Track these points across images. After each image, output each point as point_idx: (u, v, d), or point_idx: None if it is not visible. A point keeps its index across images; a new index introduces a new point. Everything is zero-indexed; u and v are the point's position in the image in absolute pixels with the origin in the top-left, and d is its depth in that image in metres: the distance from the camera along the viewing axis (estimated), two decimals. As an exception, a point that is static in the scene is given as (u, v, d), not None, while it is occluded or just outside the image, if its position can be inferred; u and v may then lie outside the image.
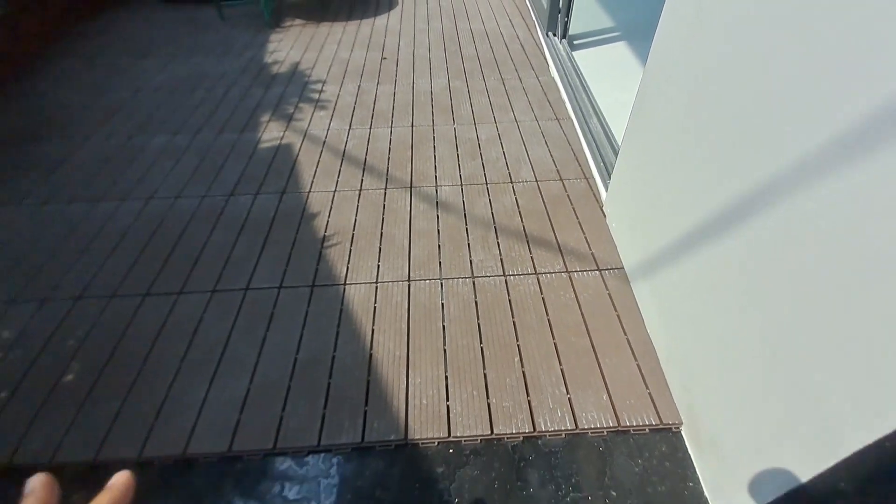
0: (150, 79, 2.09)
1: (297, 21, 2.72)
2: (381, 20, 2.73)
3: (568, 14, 2.22)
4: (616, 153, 1.45)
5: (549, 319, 1.06)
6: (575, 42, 2.29)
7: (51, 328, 1.05)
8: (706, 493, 0.81)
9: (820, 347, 0.55)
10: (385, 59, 2.31)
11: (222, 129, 1.75)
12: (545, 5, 2.40)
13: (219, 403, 0.91)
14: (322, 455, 0.86)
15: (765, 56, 0.64)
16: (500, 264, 1.20)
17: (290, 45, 2.42)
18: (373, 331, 1.04)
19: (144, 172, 1.53)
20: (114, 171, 1.53)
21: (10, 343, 1.02)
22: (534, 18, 2.69)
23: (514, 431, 0.87)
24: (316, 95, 1.97)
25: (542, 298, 1.10)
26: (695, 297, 0.83)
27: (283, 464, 0.85)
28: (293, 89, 2.02)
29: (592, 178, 1.49)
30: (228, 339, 1.03)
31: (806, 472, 0.57)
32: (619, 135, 1.55)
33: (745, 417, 0.69)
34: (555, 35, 2.32)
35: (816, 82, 0.55)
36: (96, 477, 0.82)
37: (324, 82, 2.08)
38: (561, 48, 2.21)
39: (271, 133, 1.73)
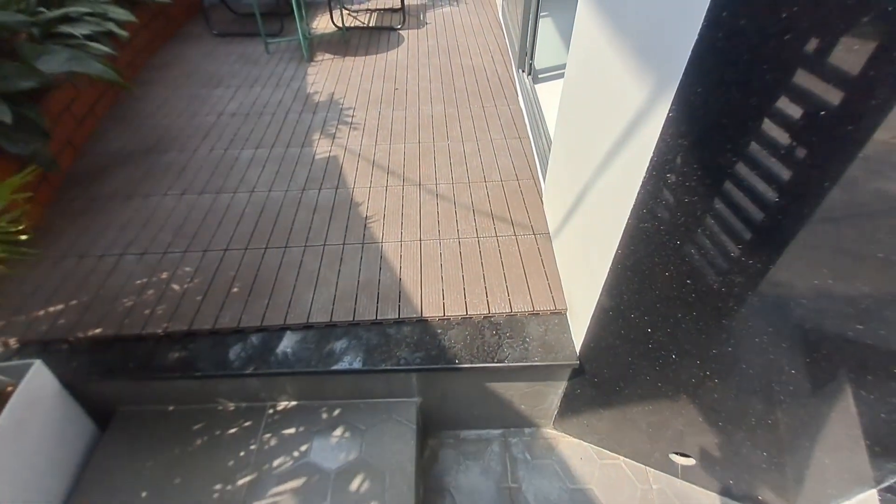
0: (226, 106, 2.86)
1: (327, 55, 3.49)
2: (392, 55, 3.51)
3: (532, 57, 3.01)
4: (548, 153, 2.24)
5: (501, 261, 1.84)
6: (539, 76, 3.08)
7: (215, 265, 1.82)
8: (573, 338, 1.60)
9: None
10: (397, 89, 3.09)
11: (288, 144, 2.52)
12: (516, 48, 3.19)
13: (320, 300, 1.69)
14: (378, 325, 1.64)
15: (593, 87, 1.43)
16: (475, 232, 1.98)
17: (324, 78, 3.20)
18: (400, 267, 1.82)
19: (243, 175, 2.30)
20: (222, 174, 2.30)
21: (192, 274, 1.79)
22: (510, 56, 3.48)
23: (478, 313, 1.66)
24: (349, 119, 2.75)
25: (499, 250, 1.89)
26: (576, 246, 1.63)
27: (359, 328, 1.63)
28: (332, 114, 2.79)
29: (538, 178, 2.28)
30: (319, 270, 1.80)
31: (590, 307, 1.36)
32: (553, 148, 2.36)
33: (585, 304, 1.48)
34: (523, 71, 3.11)
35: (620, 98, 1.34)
36: (262, 334, 1.60)
37: (354, 108, 2.85)
38: (526, 82, 2.99)
39: (322, 148, 2.50)
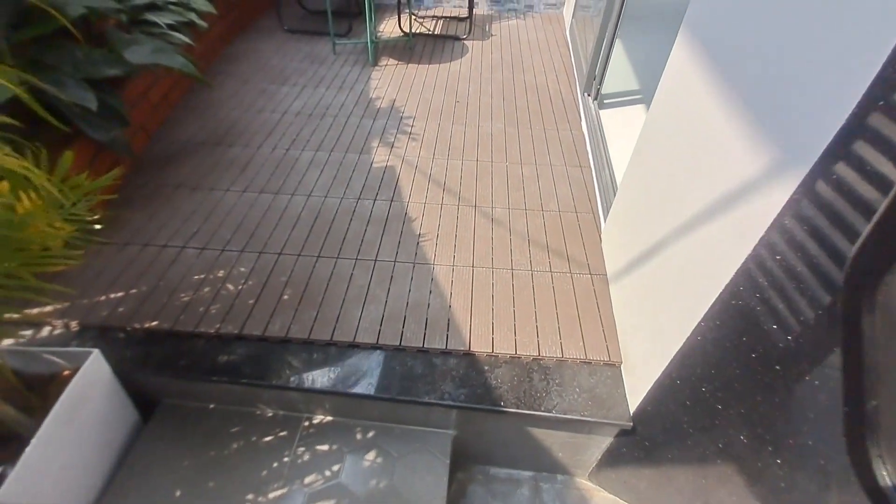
0: (290, 104, 2.91)
1: (391, 60, 3.50)
2: (454, 66, 3.48)
3: (601, 82, 2.91)
4: (615, 192, 2.15)
5: (555, 299, 1.77)
6: (605, 101, 2.98)
7: (269, 269, 1.84)
8: (626, 396, 1.51)
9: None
10: (458, 102, 3.06)
11: (347, 149, 2.53)
12: (584, 70, 3.10)
13: (368, 318, 1.67)
14: (424, 353, 1.61)
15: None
16: (529, 264, 1.92)
17: (387, 83, 3.20)
18: (451, 293, 1.78)
19: (302, 177, 2.32)
20: (282, 174, 2.33)
21: (247, 275, 1.81)
22: (575, 78, 3.38)
23: (527, 354, 1.60)
24: (408, 129, 2.74)
25: (553, 287, 1.82)
26: (639, 299, 1.54)
27: (405, 354, 1.60)
28: (392, 122, 2.79)
29: (597, 212, 2.19)
30: (369, 286, 1.79)
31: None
32: (618, 181, 2.26)
33: (646, 364, 1.40)
34: (588, 95, 3.02)
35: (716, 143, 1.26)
36: (308, 347, 1.59)
37: (414, 118, 2.84)
38: (591, 107, 2.90)
39: (380, 156, 2.50)
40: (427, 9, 4.42)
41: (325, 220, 2.08)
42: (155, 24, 2.45)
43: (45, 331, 1.58)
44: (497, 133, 2.74)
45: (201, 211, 2.08)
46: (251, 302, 1.70)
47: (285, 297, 1.73)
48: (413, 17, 4.21)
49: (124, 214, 2.04)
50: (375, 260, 1.90)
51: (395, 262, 1.90)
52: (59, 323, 1.59)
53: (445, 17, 4.28)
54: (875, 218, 0.52)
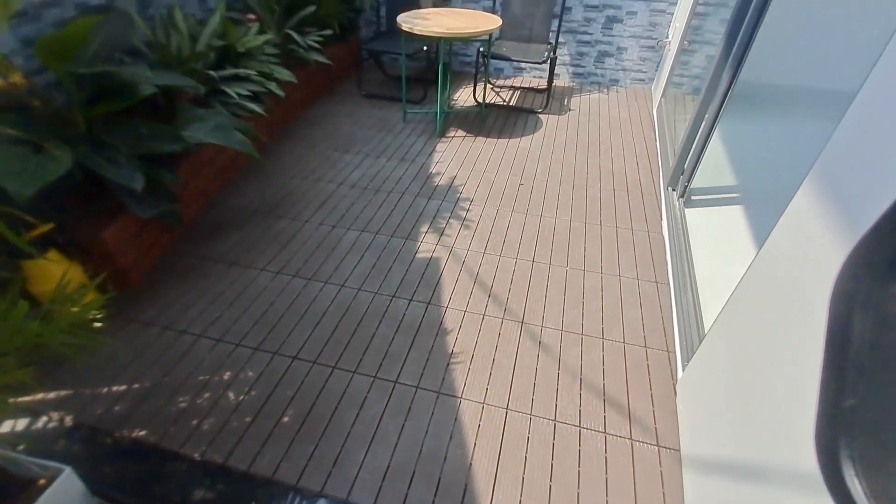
0: (349, 174, 2.85)
1: (459, 132, 3.38)
2: (525, 142, 3.27)
3: (689, 179, 2.52)
4: (700, 337, 1.73)
5: (606, 478, 1.39)
6: (692, 198, 2.57)
7: (278, 377, 1.65)
8: None
9: None
10: (522, 185, 2.82)
11: (393, 233, 2.37)
12: (670, 161, 2.73)
13: (370, 467, 1.40)
14: (428, 526, 1.29)
15: None
16: (578, 415, 1.56)
17: (450, 157, 3.06)
18: (475, 444, 1.47)
19: (339, 262, 2.18)
20: (321, 256, 2.20)
21: (253, 381, 1.64)
22: (659, 166, 3.01)
23: (559, 558, 1.22)
24: (463, 213, 2.53)
25: (606, 458, 1.44)
26: (726, 496, 1.12)
27: (403, 523, 1.30)
28: (447, 205, 2.60)
29: (673, 352, 1.78)
30: (381, 418, 1.53)
31: None
32: (707, 314, 1.82)
33: None
34: (673, 190, 2.63)
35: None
36: (293, 497, 1.35)
37: (471, 201, 2.64)
38: (676, 206, 2.50)
39: (426, 244, 2.30)
40: (506, 78, 4.32)
41: (353, 318, 1.89)
42: (229, 96, 2.52)
43: (42, 421, 1.50)
44: (561, 228, 2.43)
45: (230, 292, 1.99)
46: (248, 420, 1.51)
47: (285, 419, 1.52)
48: (490, 86, 4.13)
49: (159, 284, 2.01)
50: (396, 382, 1.65)
51: (417, 387, 1.63)
52: (56, 415, 1.50)
53: (523, 88, 4.14)
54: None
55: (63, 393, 1.56)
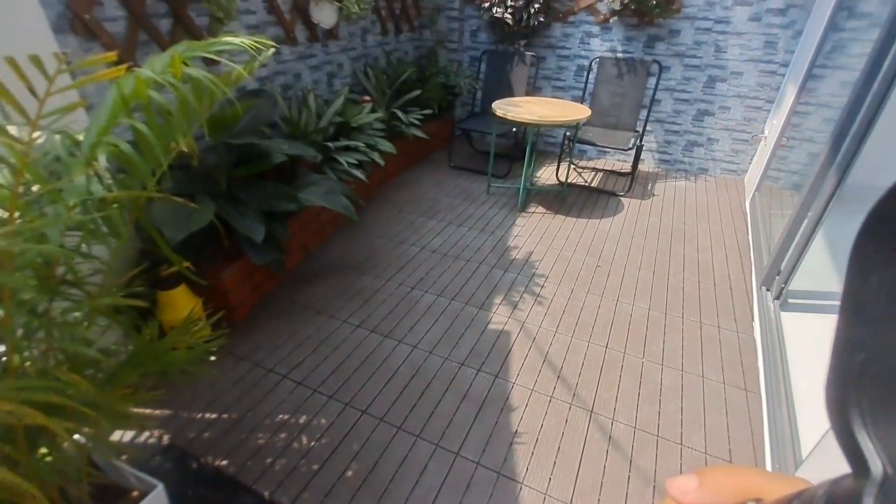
0: (431, 240, 3.04)
1: (539, 209, 3.50)
2: (604, 224, 3.29)
3: (787, 280, 2.36)
4: (797, 461, 1.55)
5: None
6: (790, 301, 2.38)
7: (347, 428, 1.73)
8: None
9: None
10: (599, 266, 2.81)
11: (468, 301, 2.46)
12: (765, 259, 2.58)
13: (425, 539, 1.39)
14: None
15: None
16: (648, 527, 1.44)
17: (529, 232, 3.16)
18: (533, 537, 1.41)
19: (415, 323, 2.29)
20: (398, 315, 2.34)
21: (325, 429, 1.73)
22: (751, 261, 2.86)
23: None
24: (538, 290, 2.57)
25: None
26: None
27: None
28: (522, 278, 2.66)
29: (765, 474, 1.60)
30: (438, 492, 1.53)
31: None
32: (805, 438, 1.63)
33: None
34: (768, 290, 2.46)
35: None
36: (351, 550, 1.37)
37: (546, 278, 2.67)
38: (770, 308, 2.33)
39: (499, 316, 2.35)
40: (589, 159, 4.45)
41: (422, 380, 1.95)
42: (338, 163, 2.88)
43: (144, 435, 1.69)
44: (639, 316, 2.37)
45: (315, 338, 2.16)
46: (315, 467, 1.58)
47: (349, 472, 1.57)
48: (573, 166, 4.26)
49: (256, 323, 2.24)
50: (457, 454, 1.65)
51: (477, 464, 1.62)
52: (157, 432, 1.69)
53: (606, 170, 4.22)
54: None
55: (167, 412, 1.77)
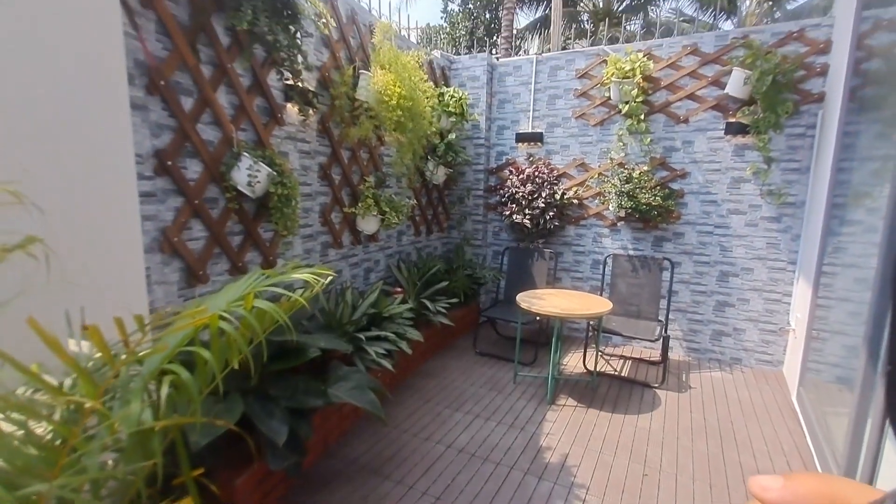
0: (457, 436, 2.86)
1: (570, 401, 3.34)
2: (643, 420, 3.07)
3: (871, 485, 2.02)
4: None
5: None
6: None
7: None
8: None
9: None
10: (646, 475, 2.51)
11: (499, 519, 2.17)
12: (832, 468, 2.28)
13: None
14: None
15: None
16: None
17: (561, 429, 2.95)
18: None
19: (439, 548, 1.98)
20: (420, 537, 2.05)
21: None
22: (817, 468, 2.52)
23: None
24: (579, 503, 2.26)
25: None
26: None
27: None
28: (560, 489, 2.38)
29: None
30: None
31: None
32: None
33: None
34: None
35: None
36: None
37: (587, 489, 2.38)
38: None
39: (537, 542, 2.03)
40: (615, 346, 4.42)
41: None
42: (366, 352, 2.94)
43: None
44: (703, 545, 2.01)
45: (325, 568, 1.87)
46: None
47: None
48: (600, 354, 4.22)
49: (261, 544, 1.98)
50: None
51: None
52: None
53: (634, 359, 4.15)
54: None
55: None
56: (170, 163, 1.99)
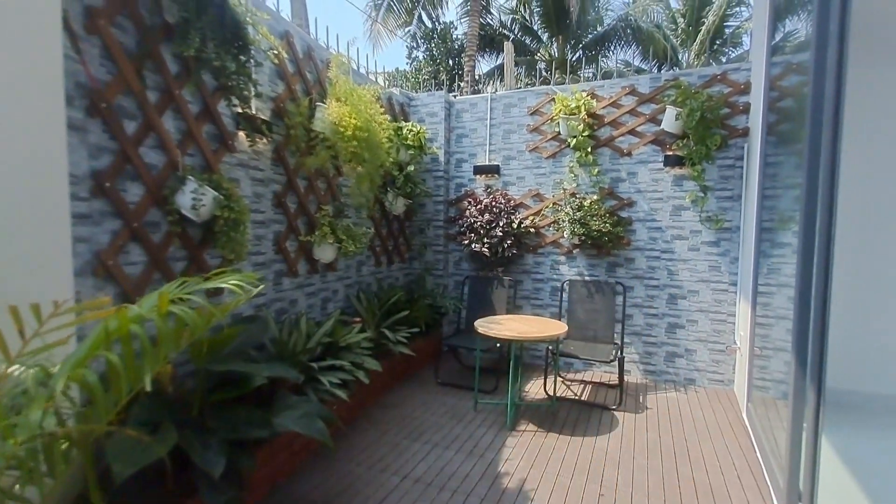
0: (414, 467, 2.76)
1: (530, 426, 3.31)
2: (601, 442, 3.07)
3: (812, 498, 2.08)
4: None
5: None
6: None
7: None
8: None
9: None
10: (602, 496, 2.49)
11: (453, 549, 2.08)
12: (780, 482, 2.33)
13: None
14: None
15: None
16: None
17: (520, 455, 2.90)
18: None
19: (388, 584, 1.88)
20: (368, 573, 1.93)
21: None
22: (767, 483, 2.57)
23: None
24: (534, 530, 2.21)
25: None
26: None
27: None
28: (516, 515, 2.32)
29: None
30: None
31: None
32: None
33: None
34: (798, 521, 2.14)
35: None
36: None
37: (543, 514, 2.33)
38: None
39: (490, 570, 1.95)
40: (576, 372, 4.46)
41: None
42: (320, 382, 2.86)
43: None
44: (657, 563, 1.98)
45: None
46: None
47: None
48: (560, 379, 4.24)
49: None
50: None
51: None
52: None
53: (594, 383, 4.19)
54: None
55: None
56: (108, 184, 1.96)
